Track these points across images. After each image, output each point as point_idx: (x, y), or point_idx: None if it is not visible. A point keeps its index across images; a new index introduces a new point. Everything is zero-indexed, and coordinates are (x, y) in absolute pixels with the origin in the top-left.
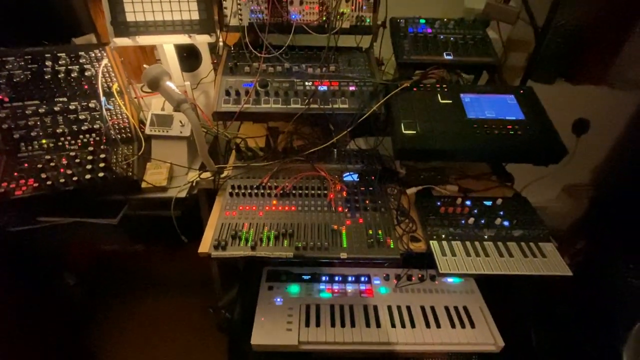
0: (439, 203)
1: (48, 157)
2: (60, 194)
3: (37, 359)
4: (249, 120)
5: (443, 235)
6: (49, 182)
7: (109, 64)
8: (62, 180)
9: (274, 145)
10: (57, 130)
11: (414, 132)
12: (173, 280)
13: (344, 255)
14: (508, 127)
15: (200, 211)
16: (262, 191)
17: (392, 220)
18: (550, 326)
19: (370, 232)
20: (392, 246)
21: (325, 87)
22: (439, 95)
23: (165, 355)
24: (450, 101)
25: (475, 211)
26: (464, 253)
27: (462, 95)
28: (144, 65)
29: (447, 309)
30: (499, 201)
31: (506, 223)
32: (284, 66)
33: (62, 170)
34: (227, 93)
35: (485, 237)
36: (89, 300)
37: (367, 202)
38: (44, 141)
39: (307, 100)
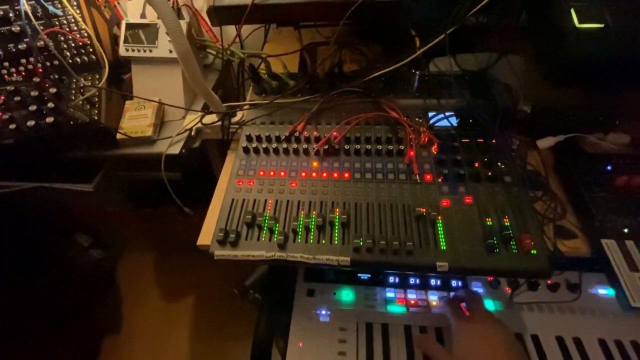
0: (609, 167)
1: None
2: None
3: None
4: (270, 20)
5: (626, 230)
6: None
7: None
8: None
9: (312, 67)
10: None
11: (601, 26)
12: (186, 250)
13: (443, 266)
14: None
15: (212, 169)
16: (295, 146)
17: (528, 200)
18: None
19: (489, 222)
20: (534, 252)
21: None
22: None
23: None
24: None
25: None
26: None
27: None
28: None
29: (603, 344)
30: None
31: None
32: None
33: None
34: None
35: None
36: (105, 263)
37: (477, 164)
38: None
39: None
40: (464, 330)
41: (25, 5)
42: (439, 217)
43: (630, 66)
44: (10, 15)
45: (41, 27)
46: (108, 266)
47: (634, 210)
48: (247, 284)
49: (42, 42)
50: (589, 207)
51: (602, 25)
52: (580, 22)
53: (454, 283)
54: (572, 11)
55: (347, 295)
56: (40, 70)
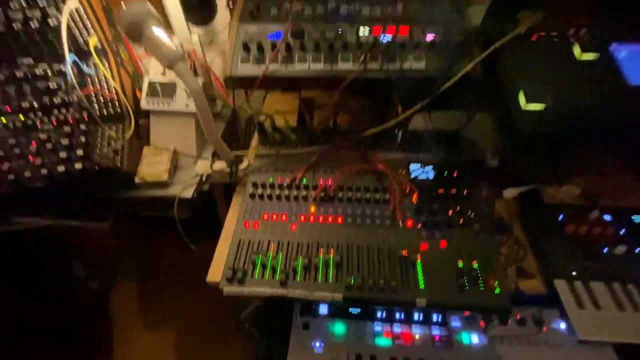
0: (561, 217)
1: (12, 141)
2: (28, 192)
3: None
4: (276, 88)
5: (574, 273)
6: (10, 177)
7: (81, 8)
8: (27, 175)
9: (310, 124)
10: (23, 105)
11: (543, 106)
12: (188, 280)
13: (421, 302)
14: None
15: (216, 208)
16: (296, 193)
17: (494, 245)
18: None
19: (461, 264)
20: (497, 290)
21: (389, 37)
22: (575, 47)
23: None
24: (596, 56)
25: (623, 232)
26: (612, 304)
27: (614, 46)
28: (122, 5)
29: None
30: None
31: None
32: (328, 6)
33: (30, 158)
34: (246, 48)
35: None
36: (101, 294)
37: (451, 213)
38: (4, 119)
39: (362, 57)
40: None
41: (68, 67)
42: (419, 259)
43: (572, 137)
44: (49, 72)
45: (75, 84)
46: (102, 297)
47: (581, 255)
48: (242, 317)
49: (76, 98)
50: (544, 252)
51: (544, 106)
52: (526, 103)
53: (434, 318)
54: (521, 93)
55: (339, 328)
56: (71, 120)
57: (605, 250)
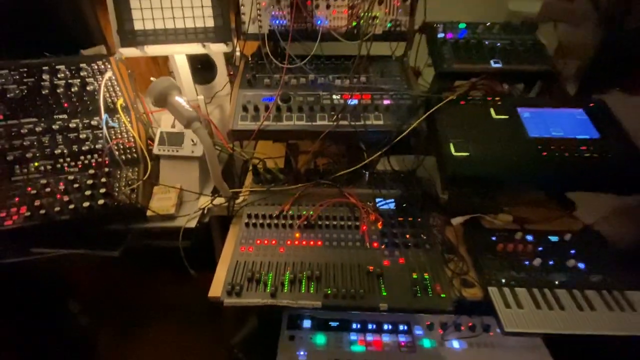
0: (494, 238)
1: (44, 181)
2: (55, 224)
3: None
4: (269, 139)
5: (503, 280)
6: (42, 212)
7: (113, 77)
8: (57, 209)
9: (295, 166)
10: (56, 151)
11: (467, 154)
12: (183, 311)
13: (384, 307)
14: (581, 147)
15: (212, 240)
16: (283, 222)
17: (441, 261)
18: None
19: (415, 275)
20: (443, 295)
21: (355, 101)
22: (492, 110)
23: None
24: (507, 116)
25: (541, 249)
26: (532, 304)
27: (519, 109)
28: (152, 79)
29: None
30: (568, 236)
31: (581, 265)
32: (309, 78)
33: (58, 196)
34: (245, 109)
35: (556, 283)
36: (94, 329)
37: (408, 236)
38: (38, 164)
39: (335, 116)
40: None
41: (104, 123)
42: (382, 273)
43: (494, 178)
44: (80, 126)
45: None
46: (93, 330)
47: (508, 267)
48: (232, 343)
49: (102, 146)
50: (481, 266)
51: (468, 154)
52: (455, 152)
53: (400, 327)
54: (451, 144)
55: (320, 339)
56: (94, 164)
57: (527, 263)
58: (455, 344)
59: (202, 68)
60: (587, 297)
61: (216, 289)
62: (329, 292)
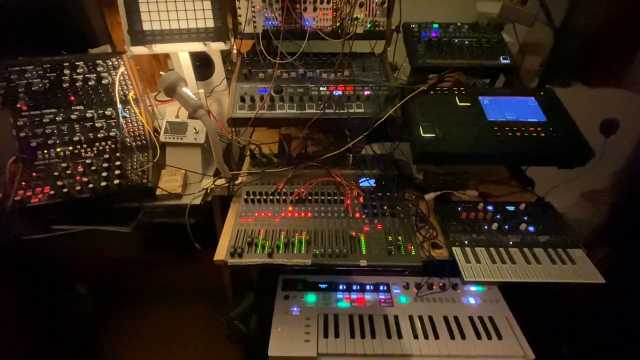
0: (459, 208)
1: (64, 164)
2: (76, 202)
3: None
4: (264, 126)
5: (466, 242)
6: (64, 190)
7: (126, 73)
8: (77, 188)
9: (288, 151)
10: (74, 138)
11: (433, 135)
12: (185, 289)
13: (363, 263)
14: (530, 129)
15: (214, 218)
16: (278, 197)
17: (412, 227)
18: (581, 337)
19: (390, 238)
20: (413, 253)
21: (340, 92)
22: (457, 98)
23: None
24: (469, 104)
25: (498, 216)
26: (488, 260)
27: (480, 98)
28: (160, 73)
29: (471, 319)
30: (522, 206)
31: (531, 228)
32: (298, 72)
33: (78, 177)
34: (242, 99)
35: (510, 243)
36: (101, 309)
37: (385, 207)
38: (59, 149)
39: (322, 105)
40: None
41: (119, 114)
42: (362, 236)
43: (455, 155)
44: (95, 116)
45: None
46: (100, 313)
47: (470, 231)
48: (232, 315)
49: (115, 134)
50: (447, 231)
51: (434, 135)
52: (423, 133)
53: (381, 287)
54: (420, 127)
55: (311, 297)
56: (108, 149)
57: (486, 227)
58: (427, 299)
59: (201, 65)
60: (535, 254)
61: (220, 253)
62: (317, 252)
